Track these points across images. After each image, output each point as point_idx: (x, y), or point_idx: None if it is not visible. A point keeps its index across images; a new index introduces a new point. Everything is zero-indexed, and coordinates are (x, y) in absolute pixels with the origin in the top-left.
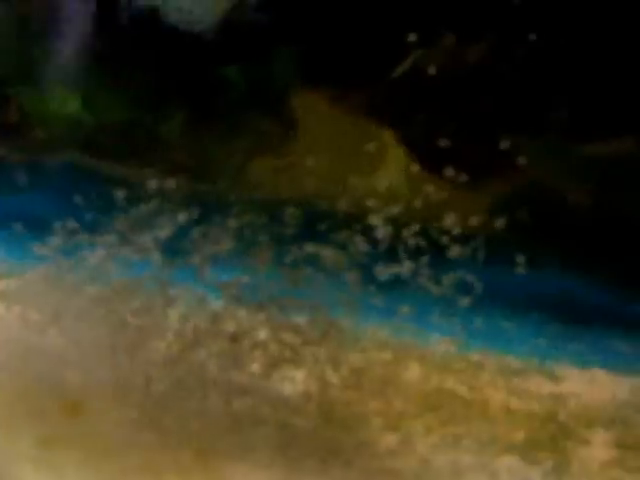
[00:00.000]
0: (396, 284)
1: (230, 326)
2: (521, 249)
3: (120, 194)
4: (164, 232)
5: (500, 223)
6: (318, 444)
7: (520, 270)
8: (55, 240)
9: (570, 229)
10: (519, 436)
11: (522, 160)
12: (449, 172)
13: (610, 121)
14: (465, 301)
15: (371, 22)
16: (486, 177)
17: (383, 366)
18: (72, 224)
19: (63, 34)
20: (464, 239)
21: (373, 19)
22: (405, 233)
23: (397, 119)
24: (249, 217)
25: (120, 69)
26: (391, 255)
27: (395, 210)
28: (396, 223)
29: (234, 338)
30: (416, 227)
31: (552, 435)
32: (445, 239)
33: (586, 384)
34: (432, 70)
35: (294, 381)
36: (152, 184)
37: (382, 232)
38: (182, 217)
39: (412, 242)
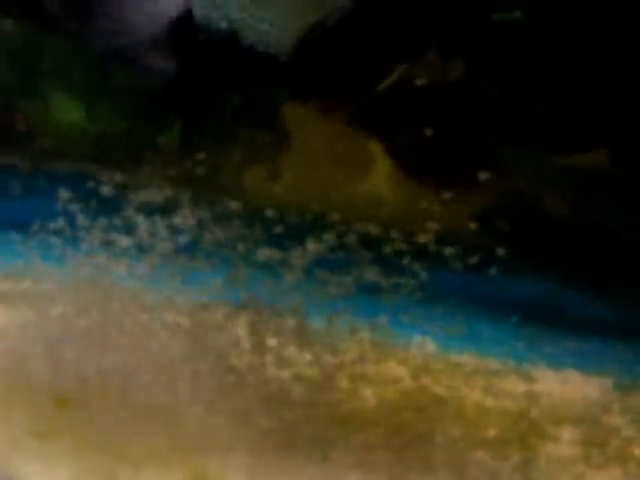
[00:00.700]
0: (380, 287)
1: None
2: (501, 255)
3: (121, 199)
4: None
5: (481, 229)
6: (299, 439)
7: (500, 275)
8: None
9: (548, 236)
10: (490, 433)
11: (503, 170)
12: (433, 181)
13: (586, 134)
14: (446, 304)
15: (359, 40)
16: (468, 186)
17: (363, 366)
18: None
19: (139, 55)
20: (446, 244)
21: (361, 37)
22: (390, 238)
23: (383, 131)
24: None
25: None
26: (375, 259)
27: (381, 216)
28: (382, 228)
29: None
30: (401, 232)
31: (522, 432)
32: (428, 244)
33: (559, 384)
34: (416, 83)
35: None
36: (151, 191)
37: (368, 237)
38: (181, 222)
39: (397, 247)
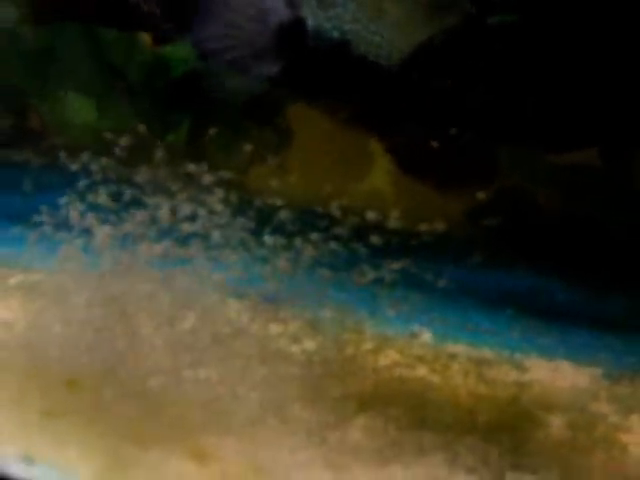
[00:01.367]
0: (381, 281)
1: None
2: (496, 248)
3: (130, 195)
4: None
5: (477, 225)
6: (297, 422)
7: (494, 268)
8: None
9: (540, 231)
10: (482, 419)
11: (497, 168)
12: (431, 178)
13: (575, 134)
14: (443, 297)
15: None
16: (464, 182)
17: (364, 356)
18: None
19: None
20: (443, 239)
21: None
22: (389, 233)
23: (382, 130)
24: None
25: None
26: (375, 253)
27: (381, 212)
28: (382, 224)
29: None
30: (399, 227)
31: (513, 418)
32: (426, 238)
33: (550, 373)
34: (412, 85)
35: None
36: (160, 186)
37: (368, 232)
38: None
39: (395, 241)
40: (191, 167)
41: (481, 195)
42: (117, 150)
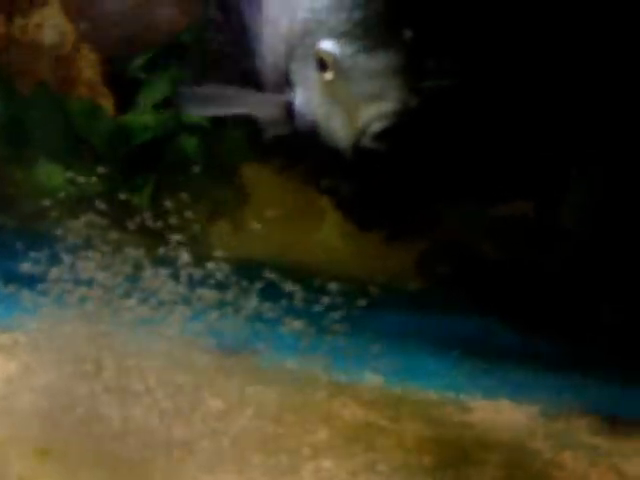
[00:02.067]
0: (334, 330)
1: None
2: (442, 295)
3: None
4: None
5: (422, 273)
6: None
7: (441, 314)
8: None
9: (483, 278)
10: (428, 460)
11: (441, 220)
12: (378, 231)
13: (510, 188)
14: (392, 341)
15: None
16: (410, 235)
17: (318, 403)
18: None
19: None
20: (391, 287)
21: None
22: (342, 282)
23: (331, 188)
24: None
25: None
26: (330, 303)
27: (332, 263)
28: (332, 274)
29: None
30: (351, 276)
31: (455, 458)
32: (375, 287)
33: (492, 413)
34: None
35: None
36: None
37: (321, 283)
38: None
39: (347, 291)
40: (155, 226)
41: (425, 246)
42: (85, 213)
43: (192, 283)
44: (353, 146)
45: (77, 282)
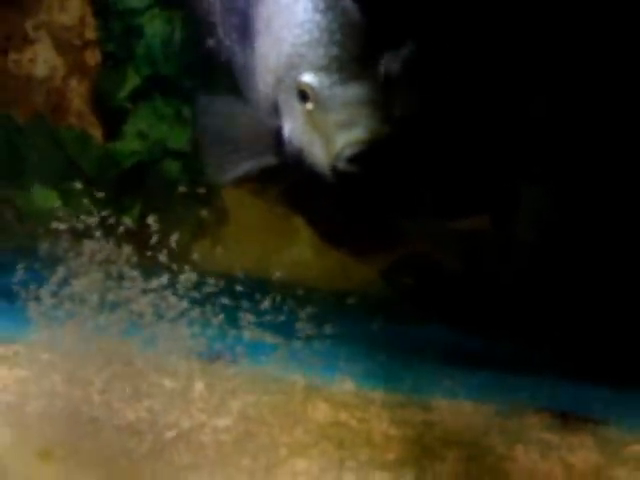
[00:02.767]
0: (308, 337)
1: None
2: (407, 304)
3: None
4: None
5: (389, 285)
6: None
7: (406, 322)
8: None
9: (444, 288)
10: (391, 456)
11: (406, 235)
12: (347, 246)
13: (468, 204)
14: (362, 347)
15: None
16: (373, 249)
17: (294, 406)
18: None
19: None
20: (360, 298)
21: None
22: (312, 293)
23: (303, 207)
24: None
25: None
26: (302, 312)
27: (306, 276)
28: (306, 286)
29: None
30: (321, 288)
31: (417, 454)
32: (349, 299)
33: (452, 413)
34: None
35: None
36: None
37: (297, 295)
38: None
39: (318, 300)
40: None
41: (391, 260)
42: (79, 234)
43: (177, 295)
44: (331, 169)
45: (71, 297)
